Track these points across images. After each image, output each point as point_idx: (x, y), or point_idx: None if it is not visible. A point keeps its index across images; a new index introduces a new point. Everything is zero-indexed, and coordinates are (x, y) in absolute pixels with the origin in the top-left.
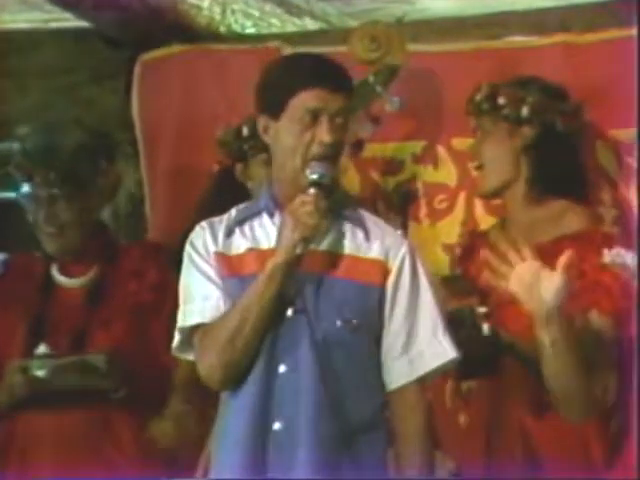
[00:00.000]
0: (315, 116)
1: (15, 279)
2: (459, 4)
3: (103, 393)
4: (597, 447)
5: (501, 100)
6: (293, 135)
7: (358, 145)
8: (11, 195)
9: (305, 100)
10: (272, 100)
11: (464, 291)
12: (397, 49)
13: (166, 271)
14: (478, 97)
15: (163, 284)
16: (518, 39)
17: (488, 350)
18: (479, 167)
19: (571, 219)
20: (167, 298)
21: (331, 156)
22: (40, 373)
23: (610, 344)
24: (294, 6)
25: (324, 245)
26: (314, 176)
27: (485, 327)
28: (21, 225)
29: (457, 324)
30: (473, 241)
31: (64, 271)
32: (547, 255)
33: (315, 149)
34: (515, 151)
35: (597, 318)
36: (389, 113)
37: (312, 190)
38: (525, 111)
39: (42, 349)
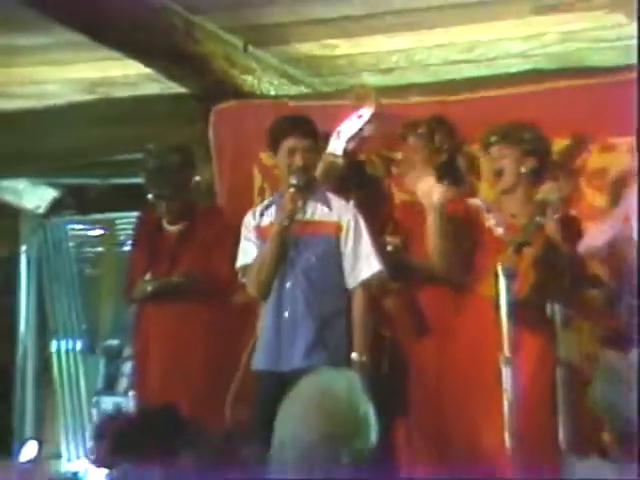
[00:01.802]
0: (293, 151)
1: (144, 226)
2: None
3: (185, 295)
4: None
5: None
6: (283, 162)
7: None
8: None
9: (286, 144)
10: (272, 145)
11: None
12: (370, 100)
13: (222, 222)
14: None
15: (221, 229)
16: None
17: (392, 260)
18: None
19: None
20: (223, 238)
21: (304, 171)
22: (149, 289)
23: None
24: (296, 79)
25: (307, 217)
26: (293, 181)
27: (388, 247)
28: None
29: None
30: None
31: (168, 222)
32: None
33: (294, 168)
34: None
35: None
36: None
37: (291, 189)
38: (437, 141)
39: (148, 277)
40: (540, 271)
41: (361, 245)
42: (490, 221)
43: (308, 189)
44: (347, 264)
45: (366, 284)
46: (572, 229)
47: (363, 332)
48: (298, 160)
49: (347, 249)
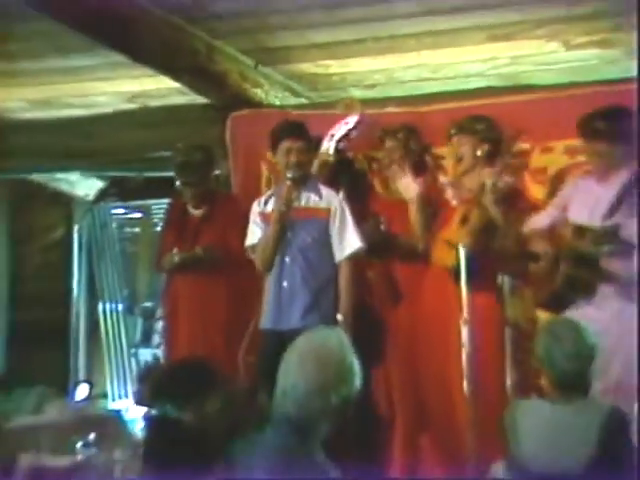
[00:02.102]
0: (289, 151)
1: (173, 210)
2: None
3: (206, 266)
4: None
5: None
6: (281, 160)
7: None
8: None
9: (283, 146)
10: (272, 146)
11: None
12: (356, 110)
13: (236, 207)
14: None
15: (235, 213)
16: (417, 108)
17: (382, 237)
18: None
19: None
20: (236, 220)
21: (298, 167)
22: (176, 260)
23: None
24: (297, 92)
25: (302, 204)
26: (289, 175)
27: (382, 226)
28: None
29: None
30: None
31: (192, 207)
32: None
33: (290, 164)
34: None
35: None
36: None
37: (288, 182)
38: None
39: (175, 251)
40: (478, 238)
41: (346, 226)
42: (448, 193)
43: (302, 182)
44: (335, 242)
45: (350, 258)
46: (518, 203)
47: (348, 297)
48: (293, 158)
49: (334, 230)
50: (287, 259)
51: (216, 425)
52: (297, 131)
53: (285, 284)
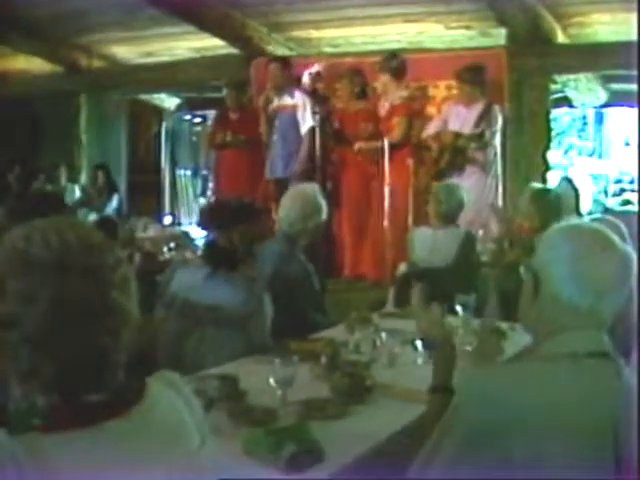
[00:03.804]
0: (270, 70)
1: (220, 115)
2: (340, 49)
3: (238, 146)
4: None
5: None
6: (269, 77)
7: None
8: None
9: (269, 67)
10: (266, 71)
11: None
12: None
13: (255, 114)
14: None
15: (255, 117)
16: (362, 59)
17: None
18: None
19: None
20: (256, 121)
21: (274, 79)
22: (227, 140)
23: None
24: (292, 48)
25: (282, 102)
26: (269, 85)
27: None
28: None
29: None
30: None
31: (231, 113)
32: None
33: (270, 78)
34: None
35: None
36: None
37: (270, 89)
38: (356, 82)
39: (221, 137)
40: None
41: (306, 114)
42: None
43: (281, 89)
44: (301, 123)
45: (308, 132)
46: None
47: (306, 153)
48: (271, 74)
49: (300, 116)
50: (275, 136)
51: (240, 245)
52: (275, 60)
53: (274, 151)
